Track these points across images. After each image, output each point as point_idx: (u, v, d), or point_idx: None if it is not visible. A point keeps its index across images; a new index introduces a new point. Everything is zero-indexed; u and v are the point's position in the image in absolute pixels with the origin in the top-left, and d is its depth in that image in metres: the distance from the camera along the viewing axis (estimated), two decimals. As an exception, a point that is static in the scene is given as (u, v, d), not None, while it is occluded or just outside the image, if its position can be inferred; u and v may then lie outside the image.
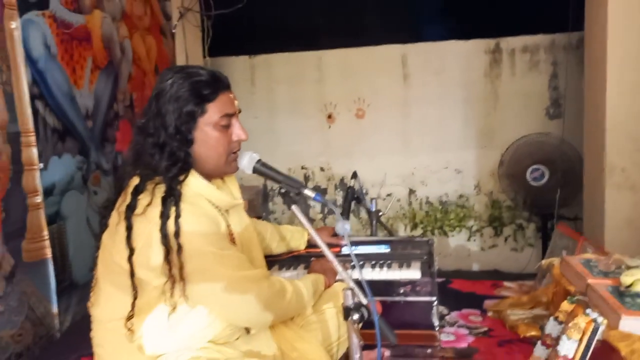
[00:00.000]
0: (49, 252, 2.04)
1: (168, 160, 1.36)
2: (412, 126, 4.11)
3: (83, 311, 2.30)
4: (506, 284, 2.40)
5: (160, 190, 1.34)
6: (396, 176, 4.20)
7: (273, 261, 1.94)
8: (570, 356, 1.26)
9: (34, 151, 1.98)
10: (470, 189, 4.11)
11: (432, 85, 4.03)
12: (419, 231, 4.20)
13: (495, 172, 4.00)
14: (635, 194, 2.84)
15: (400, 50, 4.06)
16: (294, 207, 1.39)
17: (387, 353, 1.75)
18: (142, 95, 2.86)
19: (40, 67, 2.05)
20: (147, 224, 1.29)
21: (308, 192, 1.39)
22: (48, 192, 2.07)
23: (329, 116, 4.22)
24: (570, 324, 1.27)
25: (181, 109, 1.37)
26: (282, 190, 1.42)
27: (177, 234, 1.28)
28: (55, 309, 2.09)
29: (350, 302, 1.21)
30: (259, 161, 1.48)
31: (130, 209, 1.31)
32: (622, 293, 1.33)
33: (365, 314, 1.19)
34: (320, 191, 4.28)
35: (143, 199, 1.32)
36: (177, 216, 1.29)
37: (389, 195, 4.22)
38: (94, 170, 2.40)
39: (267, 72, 4.23)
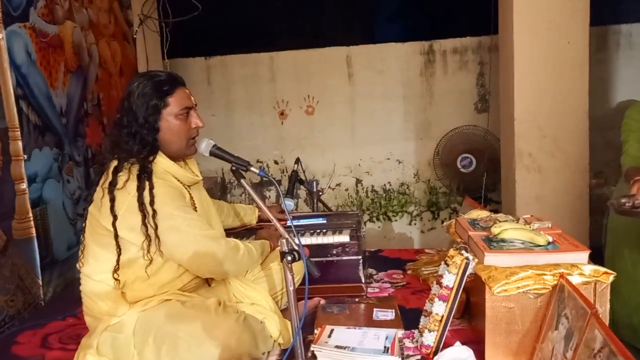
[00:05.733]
0: (33, 231, 2.35)
1: (139, 144, 1.72)
2: (357, 121, 4.48)
3: (63, 284, 2.62)
4: (427, 250, 2.83)
5: (135, 168, 1.69)
6: (344, 167, 4.57)
7: (229, 233, 2.27)
8: (451, 285, 1.68)
9: (20, 144, 2.29)
10: (410, 177, 4.52)
11: (374, 84, 4.40)
12: (365, 217, 4.57)
13: (431, 161, 4.42)
14: (541, 175, 3.30)
15: (345, 52, 4.42)
16: (242, 180, 1.77)
17: (322, 302, 2.14)
18: (109, 95, 3.17)
19: (23, 71, 2.35)
20: (127, 195, 1.65)
21: (254, 169, 1.78)
22: (31, 179, 2.37)
23: (282, 113, 4.53)
24: (450, 262, 1.70)
25: (147, 103, 1.73)
26: (233, 168, 1.80)
27: (152, 202, 1.64)
28: (40, 280, 2.40)
29: (285, 248, 1.60)
30: (214, 146, 1.86)
31: (112, 184, 1.67)
32: (490, 240, 1.75)
33: (296, 256, 1.58)
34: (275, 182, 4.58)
35: (122, 176, 1.68)
36: (151, 188, 1.65)
37: (338, 185, 4.60)
38: (68, 161, 2.71)
39: (222, 73, 4.50)
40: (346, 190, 4.61)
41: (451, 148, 4.31)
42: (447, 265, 1.72)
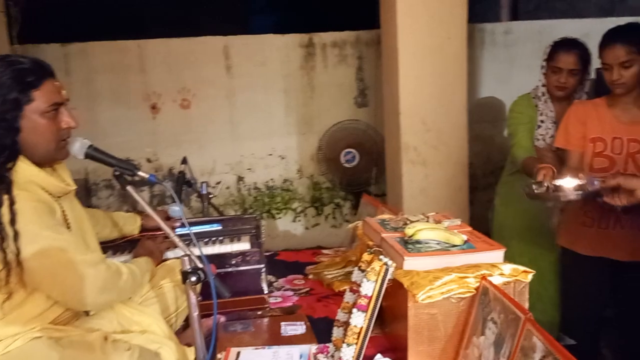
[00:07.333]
0: None
1: None
2: (237, 116, 4.26)
3: None
4: (324, 251, 2.72)
5: (-11, 179, 1.34)
6: (225, 164, 4.33)
7: (107, 247, 1.97)
8: (370, 294, 1.57)
9: None
10: (293, 173, 4.41)
11: (255, 76, 4.21)
12: (248, 216, 4.40)
13: (314, 156, 4.36)
14: (426, 168, 3.36)
15: (222, 42, 4.17)
16: (129, 187, 1.49)
17: (222, 319, 1.92)
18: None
19: None
20: None
21: (142, 174, 1.51)
22: None
23: (153, 106, 4.18)
24: (368, 269, 1.59)
25: (4, 96, 1.38)
26: (117, 173, 1.52)
27: (12, 220, 1.30)
28: None
29: (187, 267, 1.36)
30: (90, 146, 1.55)
31: None
32: (406, 242, 1.68)
33: (202, 276, 1.35)
34: (149, 182, 4.23)
35: None
36: (12, 203, 1.32)
37: (218, 183, 4.35)
38: None
39: (83, 61, 4.03)
40: (227, 188, 4.39)
41: (334, 143, 4.30)
42: (363, 271, 1.61)
